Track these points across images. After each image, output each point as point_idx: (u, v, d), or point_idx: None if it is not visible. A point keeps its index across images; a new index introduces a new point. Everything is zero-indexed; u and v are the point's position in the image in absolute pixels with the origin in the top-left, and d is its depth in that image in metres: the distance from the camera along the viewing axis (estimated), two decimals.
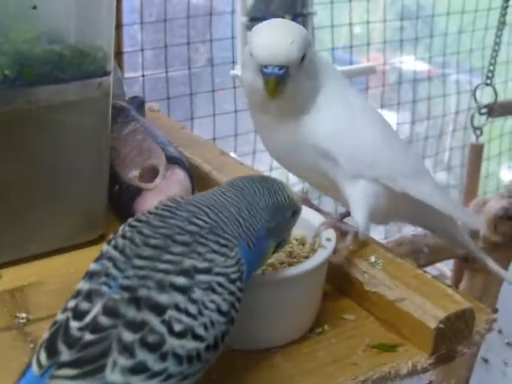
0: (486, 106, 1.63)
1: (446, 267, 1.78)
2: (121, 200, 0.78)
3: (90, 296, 0.46)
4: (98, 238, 0.75)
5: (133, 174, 0.79)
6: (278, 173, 1.73)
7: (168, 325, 0.45)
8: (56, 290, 0.66)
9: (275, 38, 0.64)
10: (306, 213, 0.65)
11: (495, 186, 2.22)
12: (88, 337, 0.44)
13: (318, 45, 1.70)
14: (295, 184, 1.72)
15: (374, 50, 1.92)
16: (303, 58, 0.65)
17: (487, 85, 1.62)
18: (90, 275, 0.48)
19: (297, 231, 0.63)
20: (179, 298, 0.46)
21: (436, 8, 1.92)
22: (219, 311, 0.47)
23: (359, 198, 0.68)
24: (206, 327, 0.46)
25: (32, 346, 0.59)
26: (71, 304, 0.47)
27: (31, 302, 0.65)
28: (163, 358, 0.44)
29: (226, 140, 1.57)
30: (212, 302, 0.47)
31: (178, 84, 1.62)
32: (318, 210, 0.72)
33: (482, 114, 1.63)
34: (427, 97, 1.99)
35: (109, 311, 0.45)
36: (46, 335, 0.46)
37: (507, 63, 2.10)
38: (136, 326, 0.44)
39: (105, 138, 0.74)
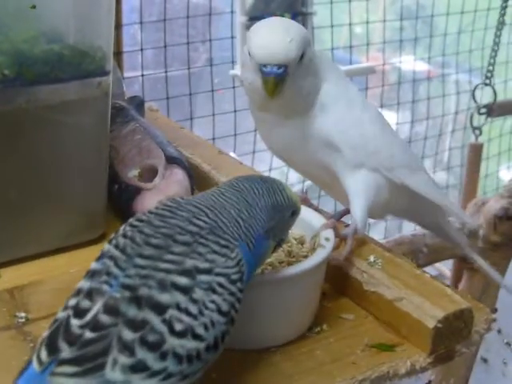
0: (485, 106, 1.63)
1: (445, 267, 1.78)
2: (120, 199, 0.78)
3: (90, 294, 0.46)
4: (98, 237, 0.75)
5: (132, 174, 0.79)
6: (278, 172, 1.73)
7: (168, 324, 0.45)
8: (55, 290, 0.67)
9: (274, 37, 0.64)
10: (305, 212, 0.65)
11: (495, 185, 2.22)
12: (88, 335, 0.44)
13: (318, 44, 1.70)
14: (294, 184, 1.72)
15: (374, 49, 1.93)
16: (302, 57, 0.65)
17: (486, 85, 1.62)
18: (91, 274, 0.48)
19: (296, 231, 0.63)
20: (180, 298, 0.46)
21: (436, 8, 1.92)
22: (219, 311, 0.47)
23: (359, 190, 0.69)
24: (206, 327, 0.46)
25: (32, 345, 0.59)
26: (72, 302, 0.47)
27: (31, 302, 0.65)
28: (163, 357, 0.44)
29: (225, 140, 1.57)
30: (212, 302, 0.47)
31: (177, 84, 1.62)
32: (317, 209, 0.72)
33: (481, 113, 1.64)
34: (427, 97, 1.99)
35: (109, 309, 0.45)
36: (46, 333, 0.46)
37: (506, 63, 2.10)
38: (136, 325, 0.44)
39: (104, 138, 0.74)
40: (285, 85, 0.64)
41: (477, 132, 1.65)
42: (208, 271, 0.48)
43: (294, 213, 0.57)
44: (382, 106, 1.86)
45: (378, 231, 1.91)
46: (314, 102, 0.68)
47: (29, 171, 0.69)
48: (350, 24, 1.72)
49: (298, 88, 0.66)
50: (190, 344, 0.45)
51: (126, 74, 1.26)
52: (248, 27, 1.35)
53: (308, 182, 1.68)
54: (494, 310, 0.66)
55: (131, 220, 0.52)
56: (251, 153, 1.63)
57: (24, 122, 0.67)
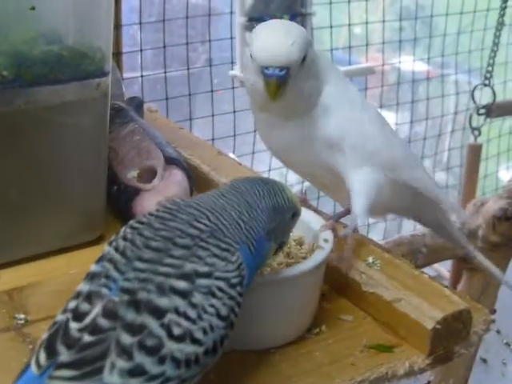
0: (484, 107, 1.63)
1: (444, 268, 1.78)
2: (119, 200, 0.78)
3: (90, 297, 0.46)
4: (97, 238, 0.75)
5: (131, 175, 0.79)
6: (277, 173, 1.73)
7: (167, 328, 0.45)
8: (54, 291, 0.66)
9: (275, 40, 0.64)
10: (304, 214, 0.65)
11: (494, 186, 2.22)
12: (87, 338, 0.44)
13: (318, 45, 1.70)
14: (293, 185, 1.72)
15: (374, 50, 1.92)
16: (304, 59, 0.65)
17: (486, 85, 1.62)
18: (91, 277, 0.48)
19: (295, 232, 0.63)
20: (179, 302, 0.46)
21: (435, 9, 1.92)
22: (219, 316, 0.47)
23: (361, 188, 0.69)
24: (205, 331, 0.46)
25: (31, 347, 0.59)
26: (71, 305, 0.47)
27: (30, 303, 0.65)
28: (161, 361, 0.44)
29: (224, 140, 1.56)
30: (212, 306, 0.47)
31: (176, 84, 1.62)
32: (316, 210, 0.72)
33: (480, 114, 1.64)
34: (426, 97, 1.99)
35: (108, 313, 0.45)
36: (45, 335, 0.46)
37: (506, 64, 2.10)
38: (135, 329, 0.44)
39: (103, 139, 0.74)
40: (287, 87, 0.64)
41: (476, 132, 1.65)
42: (208, 275, 0.47)
43: (295, 214, 0.57)
44: (381, 107, 1.86)
45: (377, 232, 1.91)
46: (315, 103, 0.68)
47: (28, 172, 0.69)
48: (350, 24, 1.72)
49: (300, 90, 0.66)
50: (188, 348, 0.45)
51: (125, 75, 1.26)
52: (247, 28, 1.35)
53: (307, 183, 1.68)
54: (493, 311, 0.66)
55: (132, 222, 0.51)
56: (250, 153, 1.63)
57: (23, 123, 0.67)
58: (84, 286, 0.48)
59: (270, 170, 1.66)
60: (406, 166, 0.72)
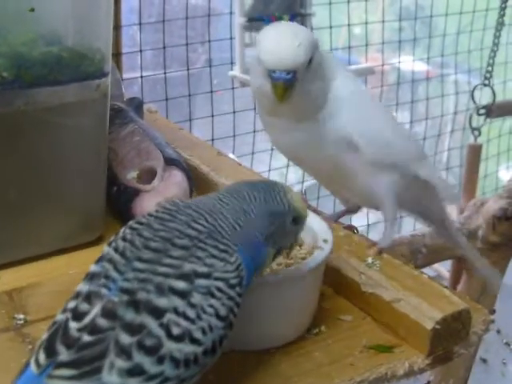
0: (484, 107, 1.63)
1: (444, 268, 1.78)
2: (119, 201, 0.78)
3: (89, 297, 0.46)
4: (96, 239, 0.75)
5: (131, 176, 0.79)
6: (277, 173, 1.73)
7: (166, 328, 0.45)
8: (54, 292, 0.67)
9: (282, 43, 0.65)
10: None
11: (494, 186, 2.22)
12: (86, 338, 0.44)
13: None
14: (293, 184, 1.72)
15: (373, 50, 1.92)
16: (310, 61, 0.65)
17: (485, 85, 1.62)
18: (91, 277, 0.48)
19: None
20: (178, 302, 0.46)
21: (434, 9, 1.92)
22: (218, 316, 0.47)
23: (387, 197, 0.70)
24: (204, 331, 0.46)
25: (30, 347, 0.59)
26: (71, 305, 0.47)
27: (29, 304, 0.65)
28: (160, 361, 0.45)
29: (224, 141, 1.56)
30: (211, 306, 0.47)
31: (176, 85, 1.62)
32: (315, 210, 0.73)
33: (480, 114, 1.63)
34: (426, 97, 1.99)
35: (107, 313, 0.45)
36: (45, 335, 0.46)
37: (505, 64, 2.10)
38: (134, 329, 0.44)
39: (103, 140, 0.75)
40: (294, 90, 0.64)
41: (476, 133, 1.65)
42: (207, 275, 0.48)
43: (297, 220, 0.55)
44: None
45: (377, 232, 1.91)
46: (323, 103, 0.68)
47: (28, 173, 0.69)
48: (349, 25, 1.72)
49: (307, 92, 0.66)
50: (187, 348, 0.45)
51: (124, 76, 1.26)
52: (247, 28, 1.36)
53: (307, 183, 1.68)
54: (493, 312, 0.66)
55: (131, 223, 0.52)
56: (250, 154, 1.63)
57: (23, 124, 0.67)
58: (83, 286, 0.48)
59: (269, 170, 1.66)
60: (418, 161, 0.73)
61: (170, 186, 0.77)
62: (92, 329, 0.45)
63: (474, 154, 1.68)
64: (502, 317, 0.85)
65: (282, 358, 0.58)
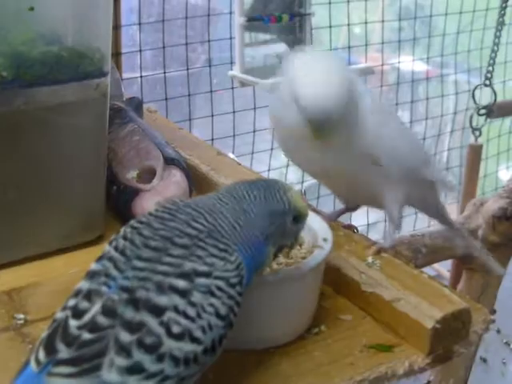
0: (484, 107, 1.62)
1: (444, 268, 1.78)
2: (118, 201, 0.78)
3: (89, 295, 0.47)
4: (96, 238, 0.75)
5: (130, 175, 0.79)
6: (277, 173, 1.73)
7: (166, 326, 0.45)
8: (54, 291, 0.66)
9: (322, 90, 0.64)
10: None
11: (493, 185, 2.22)
12: (86, 336, 0.44)
13: (317, 45, 1.70)
14: (294, 184, 1.72)
15: (373, 50, 1.92)
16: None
17: (486, 86, 1.62)
18: (91, 275, 0.48)
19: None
20: (178, 301, 0.46)
21: (434, 8, 1.92)
22: (218, 315, 0.47)
23: (397, 200, 0.72)
24: (204, 330, 0.46)
25: (30, 346, 0.59)
26: (71, 303, 0.47)
27: (29, 303, 0.65)
28: (160, 359, 0.45)
29: (224, 141, 1.56)
30: (211, 305, 0.47)
31: (176, 85, 1.62)
32: (314, 210, 0.72)
33: (480, 114, 1.63)
34: (425, 97, 1.99)
35: (107, 311, 0.45)
36: (45, 333, 0.47)
37: (505, 64, 2.10)
38: (134, 327, 0.44)
39: (102, 139, 0.75)
40: (333, 128, 0.64)
41: (476, 133, 1.65)
42: (207, 274, 0.48)
43: (297, 218, 0.55)
44: None
45: (377, 231, 1.91)
46: (355, 125, 0.68)
47: (27, 172, 0.69)
48: (349, 24, 1.72)
49: (343, 124, 0.66)
50: (187, 347, 0.46)
51: (124, 75, 1.26)
52: (246, 28, 1.35)
53: (307, 183, 1.68)
54: (493, 311, 0.66)
55: (132, 222, 0.52)
56: (250, 154, 1.63)
57: (22, 123, 0.67)
58: (84, 284, 0.48)
59: (269, 170, 1.66)
60: (428, 166, 0.75)
61: (169, 186, 0.77)
62: (92, 327, 0.45)
63: (475, 154, 1.67)
64: (502, 316, 0.85)
65: (282, 358, 0.58)
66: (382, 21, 1.82)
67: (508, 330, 1.81)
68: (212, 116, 1.53)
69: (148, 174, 0.79)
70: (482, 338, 0.64)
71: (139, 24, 1.46)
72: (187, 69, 1.49)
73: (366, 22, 1.76)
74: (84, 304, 0.46)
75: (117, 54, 1.22)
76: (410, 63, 1.97)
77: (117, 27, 1.22)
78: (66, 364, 0.44)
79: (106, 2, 0.70)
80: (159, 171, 0.78)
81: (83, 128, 0.71)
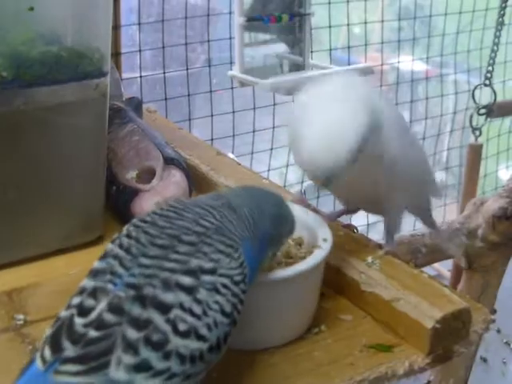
0: (484, 107, 1.62)
1: (444, 268, 1.78)
2: (118, 201, 0.78)
3: (95, 293, 0.46)
4: (96, 239, 0.75)
5: (130, 175, 0.79)
6: (277, 173, 1.73)
7: (172, 324, 0.45)
8: (54, 292, 0.66)
9: (324, 149, 0.57)
10: (303, 214, 0.65)
11: (493, 185, 2.22)
12: (92, 333, 0.44)
13: (317, 45, 1.70)
14: (293, 184, 1.72)
15: (372, 50, 1.92)
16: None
17: (486, 85, 1.62)
18: (95, 273, 0.48)
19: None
20: (184, 298, 0.46)
21: (434, 8, 1.92)
22: (223, 312, 0.47)
23: (401, 206, 0.72)
24: (209, 328, 0.46)
25: (30, 347, 0.59)
26: (76, 301, 0.47)
27: (29, 304, 0.65)
28: (167, 356, 0.44)
29: (223, 141, 1.56)
30: (216, 302, 0.47)
31: (175, 85, 1.62)
32: (314, 210, 0.72)
33: (480, 114, 1.63)
34: (425, 97, 1.99)
35: (114, 308, 0.45)
36: (49, 332, 0.46)
37: (505, 63, 2.10)
38: (140, 324, 0.44)
39: (102, 139, 0.75)
40: (337, 180, 0.60)
41: (476, 133, 1.65)
42: (212, 271, 0.48)
43: (291, 231, 0.59)
44: None
45: (377, 231, 1.91)
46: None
47: (27, 173, 0.69)
48: (348, 24, 1.72)
49: (355, 170, 0.61)
50: (193, 344, 0.45)
51: (124, 75, 1.26)
52: (246, 28, 1.35)
53: (307, 183, 1.68)
54: (494, 311, 0.66)
55: (134, 220, 0.52)
56: (250, 153, 1.63)
57: (22, 123, 0.67)
58: (88, 283, 0.48)
59: (269, 170, 1.66)
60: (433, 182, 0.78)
61: (169, 186, 0.77)
62: (98, 324, 0.44)
63: (475, 154, 1.67)
64: (502, 316, 0.85)
65: (282, 358, 0.58)
66: (382, 21, 1.82)
67: (508, 330, 1.81)
68: (212, 116, 1.53)
69: (147, 174, 0.79)
70: (483, 337, 0.63)
71: (139, 24, 1.45)
72: (187, 69, 1.48)
73: (365, 22, 1.76)
74: (89, 302, 0.46)
75: (116, 54, 1.22)
76: (409, 63, 1.97)
77: (116, 27, 1.21)
78: (73, 362, 0.44)
79: (105, 2, 0.70)
80: (159, 171, 0.78)
81: (83, 128, 0.71)
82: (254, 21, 1.33)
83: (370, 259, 0.67)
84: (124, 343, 0.44)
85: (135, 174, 0.79)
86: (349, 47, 1.73)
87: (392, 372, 0.57)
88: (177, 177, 0.78)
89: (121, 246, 0.49)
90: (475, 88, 1.62)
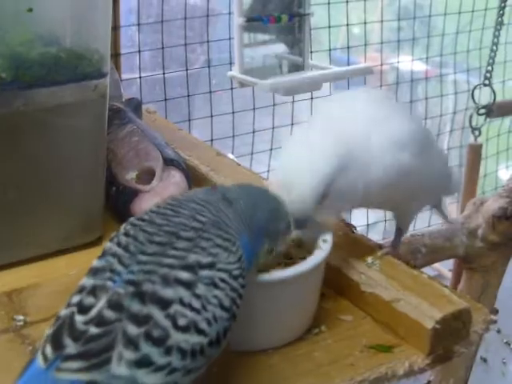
0: (484, 107, 1.62)
1: (445, 268, 1.78)
2: (118, 202, 0.78)
3: (94, 291, 0.47)
4: (96, 239, 0.75)
5: (130, 176, 0.79)
6: (277, 173, 1.72)
7: (172, 319, 0.45)
8: (54, 292, 0.67)
9: (298, 193, 0.59)
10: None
11: (493, 185, 2.22)
12: (93, 330, 0.45)
13: (316, 45, 1.70)
14: None
15: (372, 50, 1.92)
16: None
17: (485, 85, 1.61)
18: (94, 271, 0.48)
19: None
20: (183, 293, 0.46)
21: (433, 8, 1.92)
22: (222, 307, 0.48)
23: (416, 212, 0.73)
24: (209, 322, 0.47)
25: (30, 348, 0.59)
26: (75, 299, 0.47)
27: (29, 305, 0.65)
28: (168, 352, 0.45)
29: (223, 141, 1.56)
30: (215, 297, 0.47)
31: (175, 85, 1.62)
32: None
33: (480, 114, 1.63)
34: (425, 97, 1.99)
35: (114, 305, 0.45)
36: (50, 330, 0.46)
37: (504, 63, 2.10)
38: (141, 320, 0.45)
39: (101, 140, 0.74)
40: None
41: (476, 133, 1.64)
42: (210, 266, 0.48)
43: (289, 227, 0.59)
44: None
45: (377, 232, 1.91)
46: None
47: (27, 174, 0.69)
48: (348, 25, 1.71)
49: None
50: (193, 339, 0.46)
51: (123, 76, 1.26)
52: (245, 28, 1.35)
53: None
54: (495, 312, 0.66)
55: (132, 219, 0.52)
56: (249, 154, 1.63)
57: (21, 124, 0.67)
58: (87, 281, 0.48)
59: (268, 171, 1.66)
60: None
61: (168, 186, 0.77)
62: (99, 321, 0.45)
63: (475, 154, 1.67)
64: (502, 316, 0.85)
65: (282, 358, 0.58)
66: (381, 21, 1.82)
67: (508, 330, 1.81)
68: (211, 116, 1.53)
69: (147, 175, 0.79)
70: (483, 337, 0.63)
71: (138, 25, 1.45)
72: (186, 69, 1.48)
73: (365, 22, 1.76)
74: (89, 299, 0.46)
75: (116, 55, 1.22)
76: (409, 63, 1.97)
77: (116, 28, 1.21)
78: (75, 359, 0.44)
79: (104, 3, 0.70)
80: (158, 172, 0.78)
81: (82, 129, 0.71)
82: (254, 21, 1.33)
83: (370, 260, 0.67)
84: (125, 339, 0.44)
85: (135, 174, 0.79)
86: (348, 47, 1.73)
87: (392, 372, 0.57)
88: (176, 177, 0.78)
89: (119, 245, 0.49)
90: (475, 88, 1.62)
